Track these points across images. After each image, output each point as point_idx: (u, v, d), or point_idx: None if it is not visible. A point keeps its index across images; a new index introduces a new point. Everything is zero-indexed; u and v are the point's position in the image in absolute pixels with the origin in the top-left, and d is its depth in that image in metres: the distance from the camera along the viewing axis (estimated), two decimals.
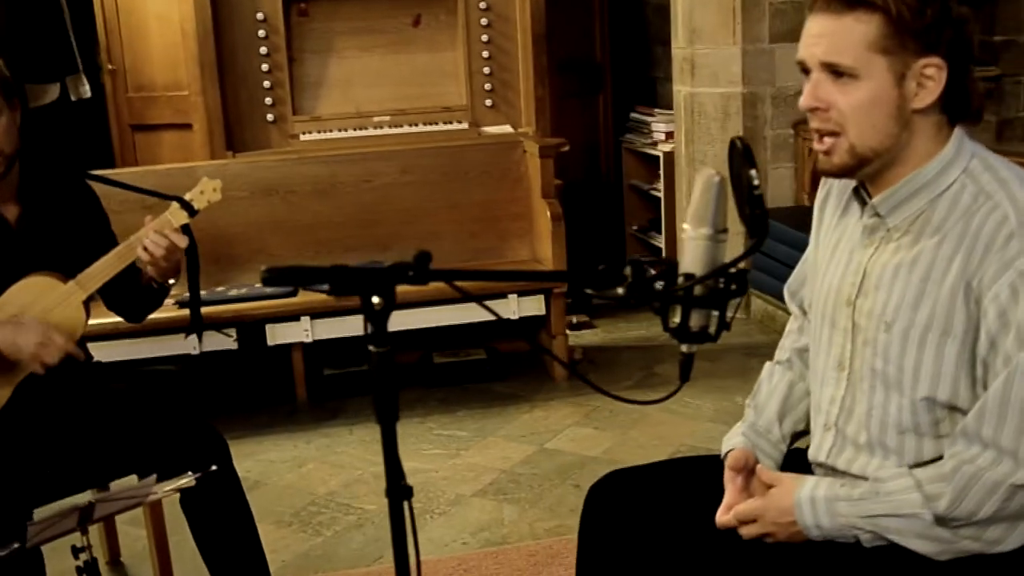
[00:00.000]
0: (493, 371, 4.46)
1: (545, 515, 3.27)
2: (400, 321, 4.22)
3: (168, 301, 2.73)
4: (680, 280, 1.57)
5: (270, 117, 4.87)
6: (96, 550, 2.21)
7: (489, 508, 3.33)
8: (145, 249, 2.37)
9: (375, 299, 1.48)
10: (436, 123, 4.99)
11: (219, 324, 4.00)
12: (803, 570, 1.69)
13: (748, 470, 1.76)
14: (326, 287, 1.48)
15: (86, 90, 4.98)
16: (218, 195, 2.52)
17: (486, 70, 4.99)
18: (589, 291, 1.55)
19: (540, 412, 4.11)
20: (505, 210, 4.60)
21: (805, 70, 1.61)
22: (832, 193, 1.79)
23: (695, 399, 4.10)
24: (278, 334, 4.11)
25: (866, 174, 1.62)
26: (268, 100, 4.84)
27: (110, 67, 5.15)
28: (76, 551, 2.05)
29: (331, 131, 4.91)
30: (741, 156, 1.57)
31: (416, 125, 4.97)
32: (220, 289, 4.19)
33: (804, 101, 1.60)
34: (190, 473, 2.17)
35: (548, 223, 4.29)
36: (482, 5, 4.94)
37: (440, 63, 5.09)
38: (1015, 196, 1.51)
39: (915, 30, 1.51)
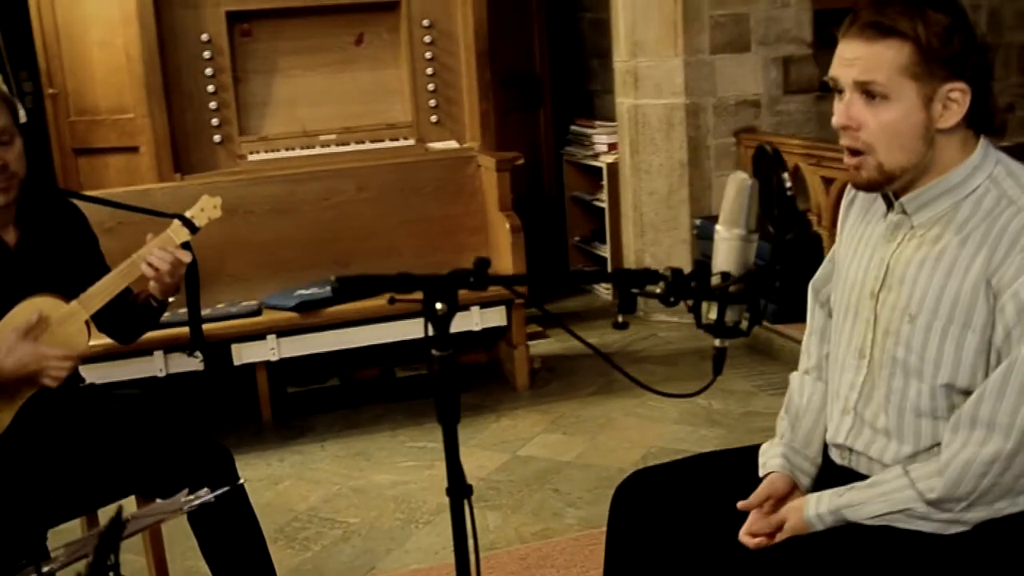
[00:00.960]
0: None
1: (529, 520, 3.34)
2: (362, 337, 4.27)
3: None
4: (718, 279, 1.67)
5: (217, 138, 4.85)
6: None
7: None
8: (150, 265, 2.38)
9: (439, 304, 1.54)
10: (383, 140, 5.02)
11: (185, 346, 3.98)
12: (829, 558, 1.78)
13: (783, 497, 1.86)
14: (388, 295, 1.54)
15: (21, 115, 4.90)
16: (218, 212, 2.55)
17: (430, 87, 5.04)
18: (634, 290, 1.63)
19: (507, 421, 4.18)
20: (461, 224, 4.67)
21: (838, 89, 1.71)
22: (859, 196, 1.89)
23: (659, 403, 4.21)
24: (244, 353, 4.11)
25: (894, 187, 1.73)
26: (215, 121, 4.82)
27: (51, 91, 5.08)
28: None
29: (278, 151, 4.92)
30: (772, 160, 1.67)
31: (363, 143, 5.00)
32: (183, 311, 4.16)
33: (837, 120, 1.70)
34: (207, 489, 2.19)
35: (508, 235, 4.37)
36: (425, 23, 4.99)
37: (384, 80, 5.13)
38: None
39: (943, 58, 1.63)
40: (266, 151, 4.89)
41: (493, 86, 5.12)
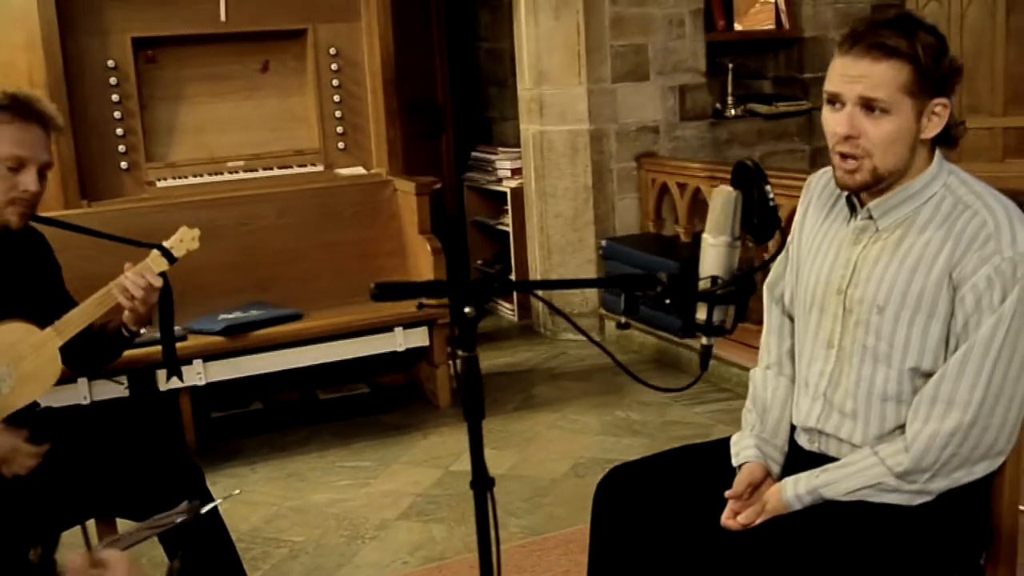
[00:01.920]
0: (379, 404, 4.58)
1: (474, 530, 3.41)
2: (288, 360, 4.31)
3: None
4: (707, 283, 1.83)
5: (124, 164, 4.81)
6: None
7: (417, 529, 3.47)
8: (126, 289, 2.41)
9: (467, 308, 1.66)
10: (290, 166, 5.06)
11: (110, 372, 3.95)
12: (806, 544, 1.94)
13: (759, 484, 2.03)
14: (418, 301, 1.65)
15: None
16: (196, 244, 2.60)
17: (337, 113, 5.11)
18: (638, 294, 1.77)
19: (435, 438, 4.27)
20: (380, 247, 4.75)
21: (838, 102, 1.88)
22: (812, 202, 2.09)
23: (580, 416, 4.38)
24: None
25: (875, 189, 1.92)
26: (121, 148, 4.78)
27: None
28: None
29: (186, 177, 4.90)
30: (754, 173, 1.84)
31: (271, 169, 5.02)
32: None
33: (841, 129, 1.87)
34: (186, 503, 2.22)
35: (429, 257, 4.48)
36: (331, 51, 5.06)
37: (291, 107, 5.18)
38: (991, 206, 1.87)
39: (934, 77, 1.84)
40: (174, 177, 4.87)
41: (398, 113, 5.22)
